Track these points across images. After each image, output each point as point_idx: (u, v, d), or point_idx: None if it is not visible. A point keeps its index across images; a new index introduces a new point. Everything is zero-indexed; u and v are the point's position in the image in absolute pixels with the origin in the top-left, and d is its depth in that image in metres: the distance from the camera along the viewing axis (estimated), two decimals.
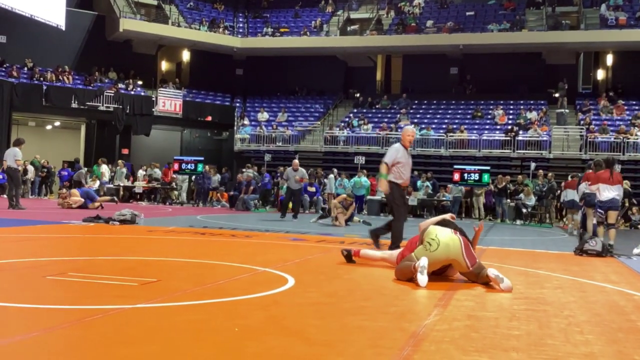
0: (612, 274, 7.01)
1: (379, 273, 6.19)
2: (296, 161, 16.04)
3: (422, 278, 5.35)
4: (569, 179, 15.01)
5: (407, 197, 8.33)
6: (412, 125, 10.18)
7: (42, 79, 25.79)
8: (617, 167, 19.69)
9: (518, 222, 19.03)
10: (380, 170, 8.16)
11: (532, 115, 26.25)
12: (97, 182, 21.50)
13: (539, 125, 25.11)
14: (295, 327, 3.66)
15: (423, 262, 5.45)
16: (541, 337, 3.69)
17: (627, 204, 19.30)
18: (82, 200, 16.34)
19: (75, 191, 17.05)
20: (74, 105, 25.56)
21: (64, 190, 17.93)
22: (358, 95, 31.16)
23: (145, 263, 6.39)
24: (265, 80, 32.05)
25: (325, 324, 3.79)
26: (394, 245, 7.57)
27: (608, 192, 9.88)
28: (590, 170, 10.69)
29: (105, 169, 22.16)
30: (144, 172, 23.74)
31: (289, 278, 5.46)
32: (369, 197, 21.50)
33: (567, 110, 26.46)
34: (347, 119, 28.45)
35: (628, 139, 23.15)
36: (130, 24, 28.26)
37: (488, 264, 5.89)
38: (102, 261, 6.44)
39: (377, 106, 29.81)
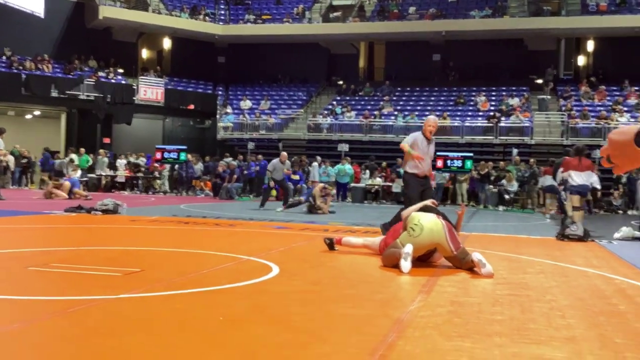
0: (593, 259, 7.10)
1: (363, 261, 6.20)
2: (284, 153, 15.88)
3: (405, 264, 5.40)
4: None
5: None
6: (434, 115, 10.03)
7: (21, 67, 25.40)
8: (597, 153, 20.01)
9: (500, 208, 19.17)
10: (404, 150, 8.09)
11: (514, 101, 26.39)
12: (79, 172, 21.28)
13: (520, 112, 25.27)
14: (280, 316, 3.66)
15: (408, 249, 5.49)
16: (524, 321, 3.72)
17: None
18: (66, 197, 16.23)
19: (67, 184, 16.84)
20: (54, 94, 25.24)
21: (60, 180, 17.73)
22: (341, 82, 31.10)
23: (128, 253, 6.36)
24: (248, 68, 31.85)
25: (310, 312, 3.80)
26: None
27: (577, 178, 10.63)
28: (568, 157, 11.28)
29: (74, 158, 21.82)
30: (124, 161, 23.49)
31: (273, 266, 5.45)
32: (352, 184, 21.53)
33: (548, 97, 26.64)
34: (330, 107, 28.40)
35: (609, 124, 23.36)
36: (110, 11, 27.90)
37: (471, 249, 5.93)
38: (85, 251, 6.39)
39: (360, 93, 29.78)
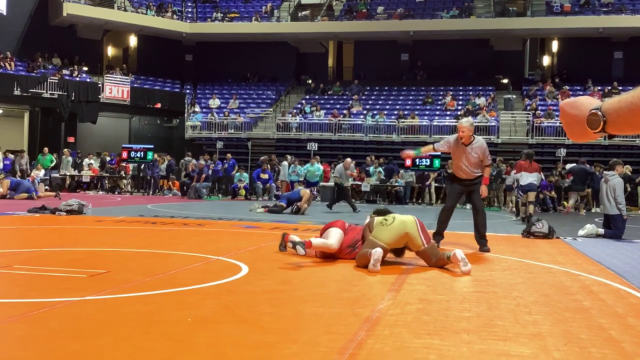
0: (558, 255, 7.21)
1: (332, 259, 6.20)
2: (348, 159, 16.15)
3: (374, 269, 5.41)
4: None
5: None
6: (468, 118, 9.91)
7: None
8: (563, 152, 20.48)
9: (468, 206, 19.35)
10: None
11: (481, 101, 26.71)
12: (42, 171, 20.89)
13: (487, 111, 25.59)
14: (249, 316, 3.64)
15: (377, 255, 5.46)
16: (491, 318, 3.76)
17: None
18: (7, 191, 15.94)
19: (6, 181, 16.59)
20: (17, 92, 24.69)
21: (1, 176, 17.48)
22: (310, 81, 31.06)
23: (94, 254, 6.24)
24: (216, 67, 31.61)
25: (280, 312, 3.78)
26: (436, 234, 7.59)
27: (527, 178, 12.57)
28: (521, 160, 13.25)
29: None
30: (90, 161, 23.05)
31: (242, 266, 5.42)
32: (322, 183, 21.53)
33: (514, 96, 27.03)
34: (299, 106, 28.37)
35: None
36: (74, 8, 27.38)
37: (449, 247, 5.99)
38: (49, 253, 6.26)
39: (329, 92, 29.80)
